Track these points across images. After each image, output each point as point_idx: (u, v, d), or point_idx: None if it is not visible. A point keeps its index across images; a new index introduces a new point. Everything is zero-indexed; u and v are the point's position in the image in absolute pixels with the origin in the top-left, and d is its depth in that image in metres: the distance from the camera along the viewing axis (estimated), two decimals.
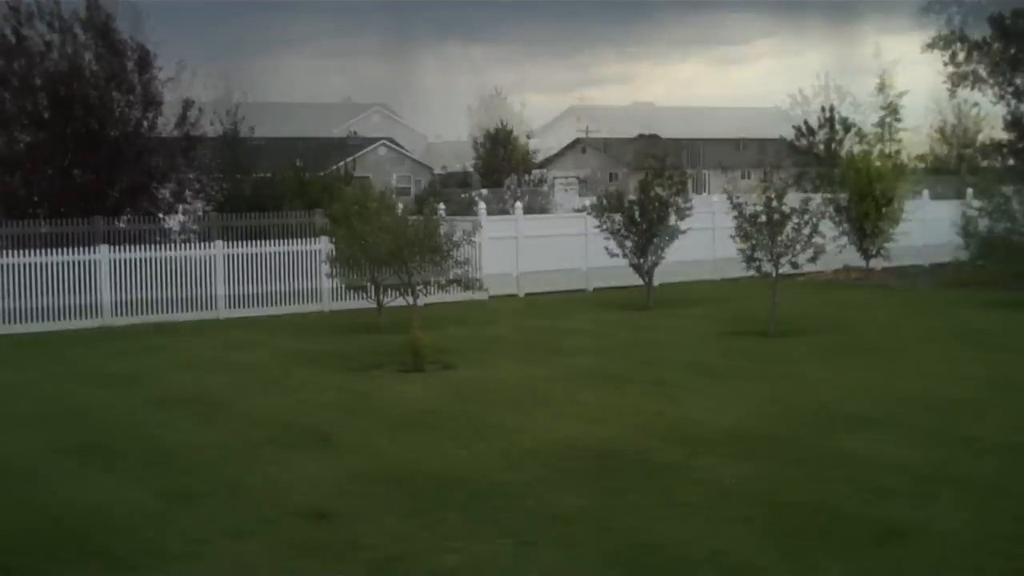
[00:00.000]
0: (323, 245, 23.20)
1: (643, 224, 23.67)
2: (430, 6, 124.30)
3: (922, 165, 47.47)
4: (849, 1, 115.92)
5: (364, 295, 20.93)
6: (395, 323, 19.13)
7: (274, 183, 28.50)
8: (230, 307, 23.38)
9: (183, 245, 24.95)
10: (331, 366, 16.38)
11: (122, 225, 25.25)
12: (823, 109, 54.55)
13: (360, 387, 14.63)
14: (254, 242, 24.04)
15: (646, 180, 24.51)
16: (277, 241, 24.20)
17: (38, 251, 22.06)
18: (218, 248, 23.59)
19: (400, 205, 22.63)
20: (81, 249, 22.48)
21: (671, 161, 26.21)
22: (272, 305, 23.69)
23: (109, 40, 26.16)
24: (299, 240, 24.32)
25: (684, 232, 23.95)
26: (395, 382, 14.99)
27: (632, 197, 24.68)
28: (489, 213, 28.96)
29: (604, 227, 23.87)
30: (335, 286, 22.84)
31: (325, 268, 22.07)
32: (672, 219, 23.74)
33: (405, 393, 14.17)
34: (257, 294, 23.73)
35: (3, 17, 25.62)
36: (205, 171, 28.20)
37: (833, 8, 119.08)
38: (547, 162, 62.55)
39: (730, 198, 20.01)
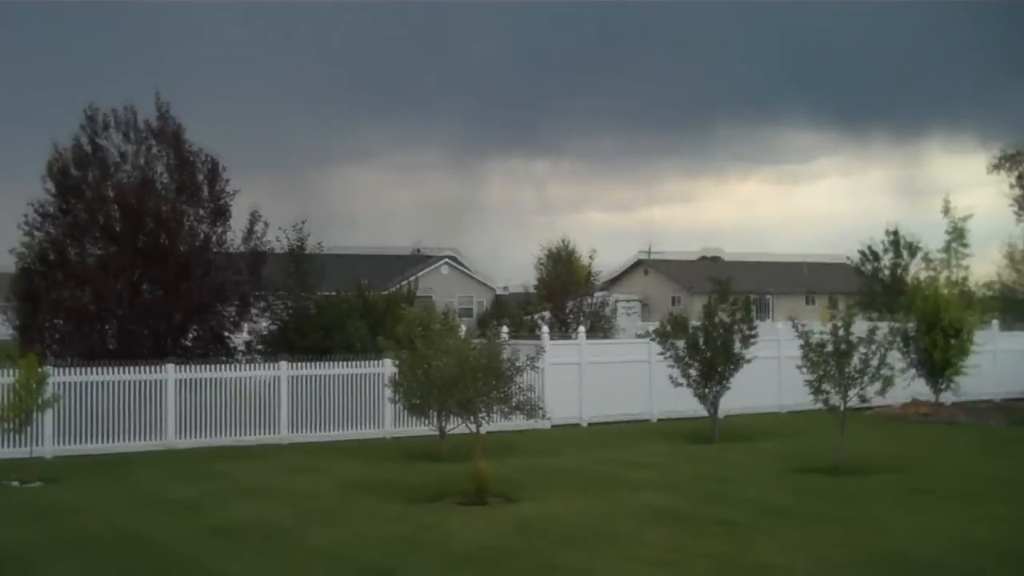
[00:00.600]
0: (386, 368, 23.19)
1: (707, 351, 23.37)
2: (496, 119, 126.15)
3: (990, 293, 46.68)
4: (913, 119, 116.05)
5: (426, 420, 20.86)
6: (457, 451, 19.00)
7: (338, 302, 28.63)
8: (293, 431, 23.42)
9: (248, 365, 25.05)
10: (392, 496, 16.22)
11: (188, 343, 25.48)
12: (887, 232, 53.98)
13: (421, 520, 14.45)
14: (318, 363, 24.11)
15: (710, 304, 24.24)
16: (341, 363, 24.23)
17: (105, 369, 22.24)
18: (283, 369, 23.68)
19: (463, 327, 22.60)
20: (148, 367, 22.62)
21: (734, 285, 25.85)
22: (334, 429, 23.71)
23: (180, 151, 26.54)
24: (362, 362, 24.33)
25: (749, 361, 23.65)
26: (457, 515, 14.78)
27: (696, 322, 24.47)
28: (551, 336, 28.89)
29: (668, 354, 23.61)
30: (397, 411, 22.75)
31: (388, 392, 22.02)
32: (737, 346, 23.45)
33: (467, 528, 13.94)
34: (320, 417, 23.74)
35: (80, 126, 26.12)
36: (270, 288, 28.29)
37: (897, 127, 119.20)
38: (608, 283, 62.60)
39: (795, 325, 19.66)
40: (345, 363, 24.29)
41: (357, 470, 19.24)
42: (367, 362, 24.33)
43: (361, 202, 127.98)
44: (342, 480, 18.06)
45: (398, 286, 35.83)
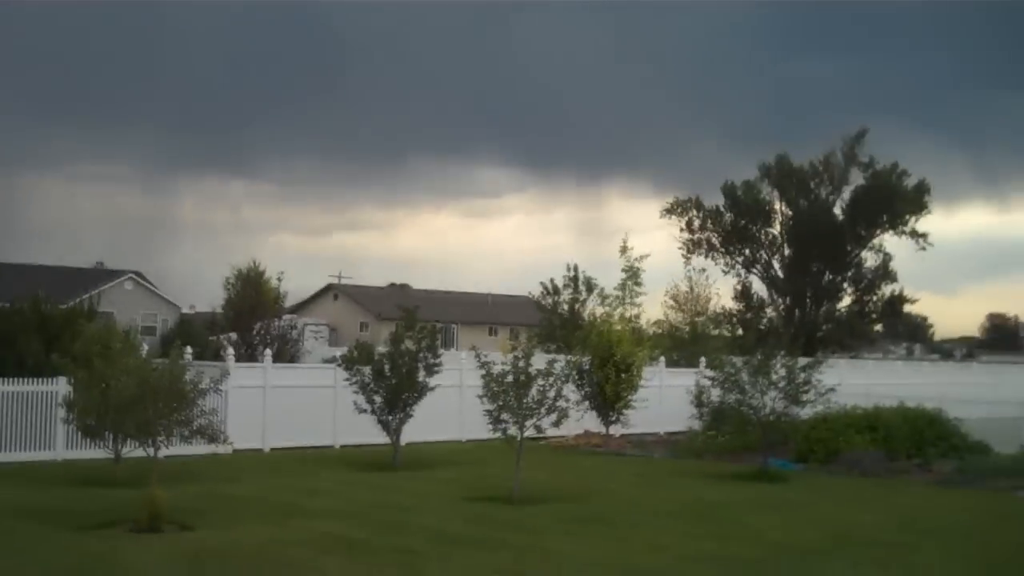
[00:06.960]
0: (61, 387, 22.23)
1: (392, 379, 23.66)
2: (191, 137, 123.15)
3: (658, 331, 49.36)
4: (595, 165, 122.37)
5: (102, 443, 20.10)
6: (133, 476, 18.45)
7: (11, 315, 27.22)
8: None
9: None
10: (59, 523, 15.56)
11: None
12: (567, 268, 56.02)
13: (89, 549, 13.94)
14: None
15: (397, 331, 24.52)
16: (10, 380, 23.05)
17: None
18: None
19: (145, 347, 22.00)
20: None
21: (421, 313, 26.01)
22: None
23: None
24: (34, 380, 23.23)
25: (433, 389, 24.11)
26: (128, 544, 14.34)
27: (382, 349, 24.70)
28: (237, 359, 28.50)
29: (354, 380, 23.76)
30: (71, 432, 21.82)
31: (61, 412, 21.10)
32: (421, 374, 23.85)
33: (138, 557, 13.56)
34: None
35: None
36: None
37: (581, 171, 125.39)
38: (298, 307, 62.17)
39: (478, 355, 20.19)
40: (14, 380, 23.12)
41: (22, 495, 18.31)
42: (39, 380, 23.25)
43: (46, 212, 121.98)
44: (3, 506, 17.11)
45: (78, 301, 34.35)
